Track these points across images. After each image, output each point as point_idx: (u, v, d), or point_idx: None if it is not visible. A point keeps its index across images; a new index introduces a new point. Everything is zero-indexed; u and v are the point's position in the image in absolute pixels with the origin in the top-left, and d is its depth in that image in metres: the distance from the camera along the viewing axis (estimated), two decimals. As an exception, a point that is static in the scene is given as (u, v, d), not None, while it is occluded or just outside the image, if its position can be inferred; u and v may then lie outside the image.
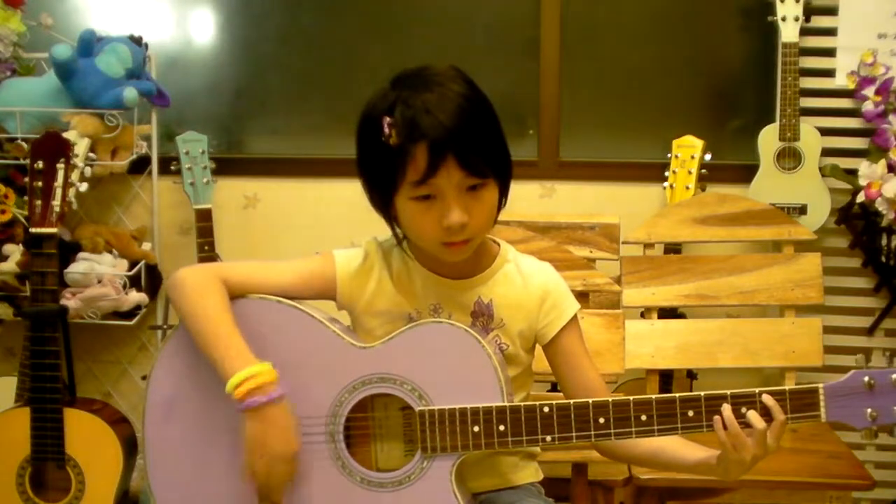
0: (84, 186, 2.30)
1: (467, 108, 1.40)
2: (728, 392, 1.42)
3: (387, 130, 1.39)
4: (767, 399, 1.41)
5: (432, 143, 1.37)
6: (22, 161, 2.57)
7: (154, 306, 2.89)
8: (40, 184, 2.20)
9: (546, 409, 1.44)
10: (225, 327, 1.44)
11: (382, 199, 1.47)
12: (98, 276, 2.68)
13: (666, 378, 2.55)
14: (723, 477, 1.48)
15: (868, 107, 2.71)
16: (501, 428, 1.44)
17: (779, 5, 2.75)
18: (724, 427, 1.41)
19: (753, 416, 1.40)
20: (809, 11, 2.77)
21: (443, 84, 1.41)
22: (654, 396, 1.43)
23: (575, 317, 1.58)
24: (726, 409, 1.41)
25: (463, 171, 1.40)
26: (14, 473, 2.21)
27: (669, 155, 2.76)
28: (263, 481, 1.44)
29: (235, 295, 1.50)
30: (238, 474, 1.47)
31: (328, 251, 1.59)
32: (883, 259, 2.77)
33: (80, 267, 2.69)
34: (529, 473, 1.64)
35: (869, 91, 2.72)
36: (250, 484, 1.44)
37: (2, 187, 2.60)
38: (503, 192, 1.48)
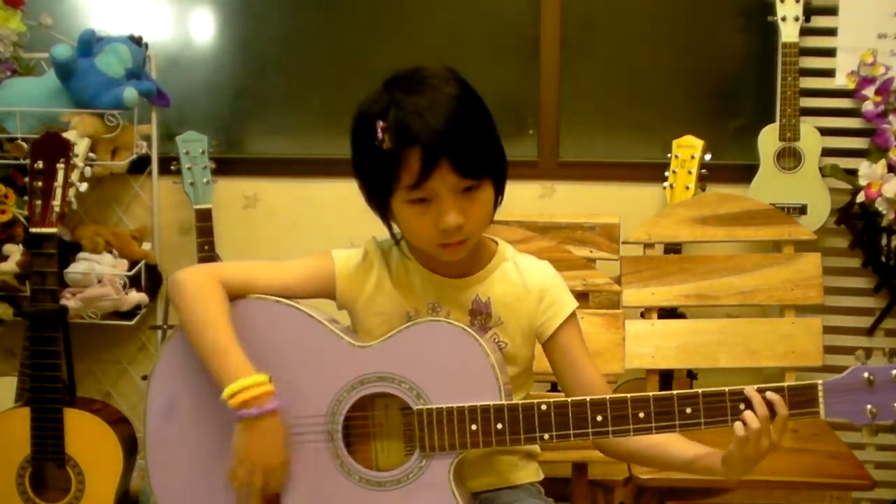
0: (84, 186, 2.30)
1: (460, 110, 1.40)
2: (726, 389, 1.41)
3: (380, 135, 1.39)
4: (771, 395, 1.40)
5: (425, 147, 1.37)
6: (22, 161, 2.57)
7: (154, 306, 2.89)
8: (40, 184, 2.20)
9: (544, 408, 1.44)
10: (224, 335, 1.45)
11: (378, 201, 1.48)
12: (98, 276, 2.68)
13: (666, 378, 2.54)
14: (725, 476, 1.47)
15: (868, 107, 2.71)
16: (499, 426, 1.44)
17: (779, 5, 2.75)
18: (745, 422, 1.39)
19: (779, 402, 1.39)
20: (809, 11, 2.77)
21: (436, 86, 1.41)
22: (651, 394, 1.43)
23: (574, 314, 1.58)
24: (754, 394, 1.40)
25: (456, 174, 1.40)
26: (14, 473, 2.20)
27: (669, 155, 2.76)
28: (244, 489, 1.45)
29: (235, 295, 1.51)
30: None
31: (327, 250, 1.59)
32: (883, 259, 2.77)
33: (80, 267, 2.69)
34: (529, 473, 1.64)
35: (869, 91, 2.71)
36: (230, 489, 1.45)
37: (2, 187, 2.60)
38: (499, 191, 1.49)
